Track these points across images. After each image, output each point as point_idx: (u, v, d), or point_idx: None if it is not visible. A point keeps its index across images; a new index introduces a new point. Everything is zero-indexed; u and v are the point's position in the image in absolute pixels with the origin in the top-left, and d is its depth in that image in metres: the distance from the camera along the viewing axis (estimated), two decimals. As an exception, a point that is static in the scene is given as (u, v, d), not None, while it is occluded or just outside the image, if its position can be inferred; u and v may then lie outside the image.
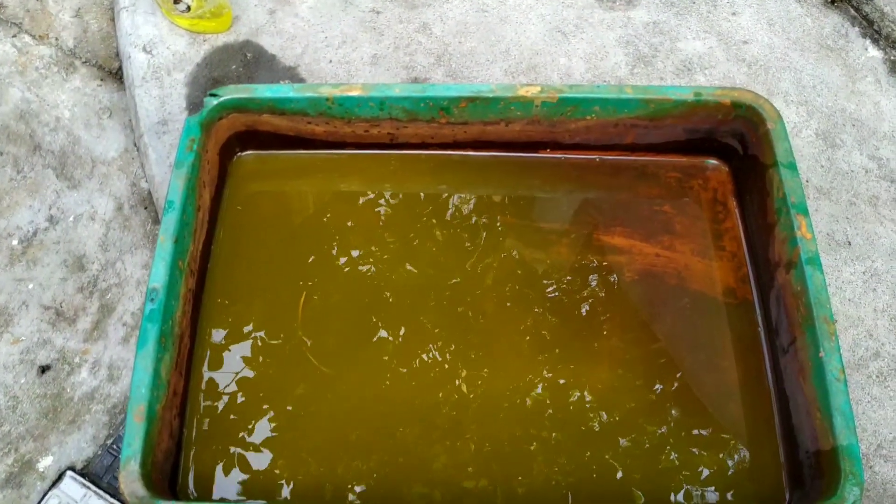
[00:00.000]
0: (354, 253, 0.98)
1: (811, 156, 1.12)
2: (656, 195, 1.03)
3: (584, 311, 0.95)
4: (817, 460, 0.80)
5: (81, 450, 1.01)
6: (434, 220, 1.01)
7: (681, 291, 0.96)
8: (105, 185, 1.18)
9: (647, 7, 1.26)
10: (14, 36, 1.30)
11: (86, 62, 1.29)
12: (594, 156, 1.05)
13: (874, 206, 1.08)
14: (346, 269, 0.97)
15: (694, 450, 0.87)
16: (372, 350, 0.92)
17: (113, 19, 1.32)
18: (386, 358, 0.92)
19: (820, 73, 1.19)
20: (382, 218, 1.01)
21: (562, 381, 0.91)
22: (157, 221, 1.15)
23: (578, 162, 1.05)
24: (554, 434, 0.88)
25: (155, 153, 1.12)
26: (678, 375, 0.91)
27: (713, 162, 1.04)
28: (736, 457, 0.87)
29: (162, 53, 1.19)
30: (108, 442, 1.01)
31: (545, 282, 0.96)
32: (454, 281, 0.97)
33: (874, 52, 1.22)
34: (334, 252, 0.98)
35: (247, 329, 0.93)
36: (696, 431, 0.88)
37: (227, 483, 0.85)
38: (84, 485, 0.98)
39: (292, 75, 1.17)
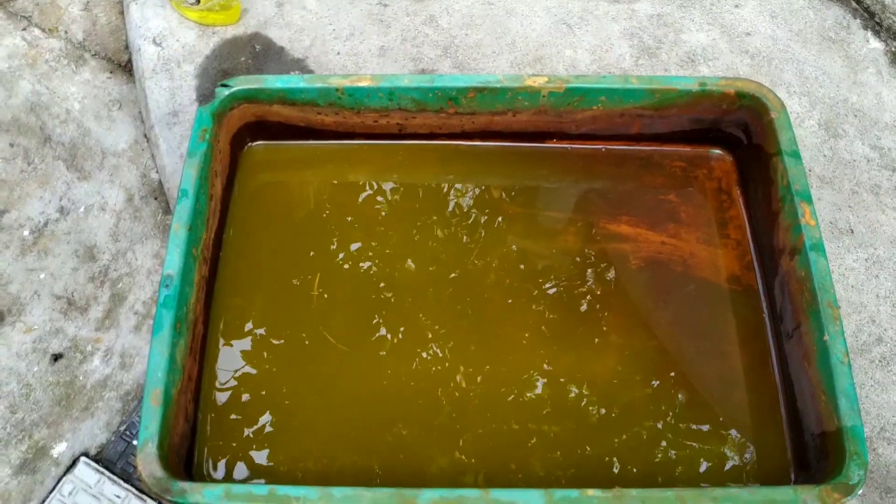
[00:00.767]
0: (362, 242, 1.00)
1: (814, 146, 1.13)
2: (661, 184, 1.04)
3: (590, 298, 0.96)
4: (822, 442, 0.82)
5: (95, 436, 1.02)
6: (442, 210, 1.02)
7: (686, 279, 0.97)
8: (115, 177, 1.19)
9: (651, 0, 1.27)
10: (24, 29, 1.31)
11: (95, 55, 1.30)
12: (600, 146, 1.06)
13: (876, 195, 1.10)
14: (356, 257, 0.98)
15: (700, 433, 0.88)
16: (380, 333, 0.94)
17: (122, 12, 1.33)
18: (396, 342, 0.93)
19: (822, 64, 1.21)
20: (391, 207, 1.02)
21: (568, 368, 0.92)
22: (167, 212, 1.17)
23: (585, 152, 1.06)
24: (560, 421, 0.89)
25: (166, 144, 1.13)
26: (684, 361, 0.93)
27: (717, 151, 1.06)
28: (741, 440, 0.88)
29: (171, 46, 1.20)
30: (122, 428, 1.03)
31: (552, 269, 0.98)
32: (461, 271, 0.98)
33: (875, 44, 1.23)
34: (344, 241, 1.00)
35: (258, 316, 0.95)
36: (702, 415, 0.89)
37: (240, 465, 0.86)
38: (98, 470, 1.00)
39: (301, 67, 1.18)
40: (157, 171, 1.19)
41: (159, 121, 1.14)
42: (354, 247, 0.99)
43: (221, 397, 0.90)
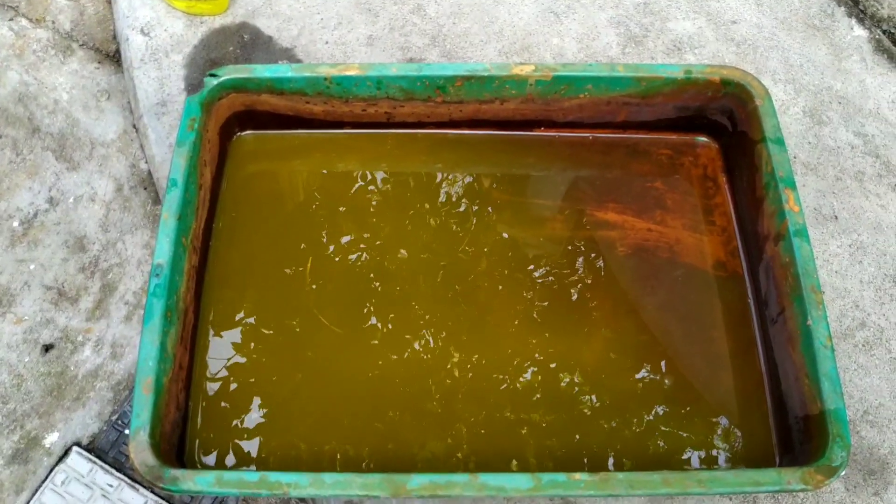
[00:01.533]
0: (352, 231, 1.00)
1: (798, 133, 1.14)
2: (648, 172, 1.05)
3: (578, 285, 0.97)
4: (806, 425, 0.83)
5: (87, 426, 1.03)
6: (431, 198, 1.03)
7: (672, 265, 0.99)
8: (104, 167, 1.19)
9: (638, -12, 1.28)
10: (11, 19, 1.30)
11: (83, 45, 1.30)
12: (587, 134, 1.07)
13: (860, 182, 1.11)
14: (346, 247, 0.99)
15: (686, 417, 0.90)
16: (371, 321, 0.94)
17: (109, 2, 1.32)
18: (389, 330, 0.94)
19: (807, 52, 1.21)
20: (380, 196, 1.03)
21: (557, 355, 0.93)
22: (157, 202, 1.17)
23: (572, 140, 1.07)
24: (550, 407, 0.90)
25: (154, 134, 1.13)
26: (671, 346, 0.94)
27: (703, 139, 1.06)
28: (727, 423, 0.89)
29: (159, 35, 1.20)
30: (113, 418, 1.03)
31: (541, 257, 0.99)
32: (450, 259, 0.99)
33: (859, 31, 1.24)
34: (334, 230, 1.00)
35: (249, 306, 0.95)
36: (688, 400, 0.91)
37: (231, 453, 0.87)
38: (90, 460, 1.00)
39: (289, 56, 1.18)
40: (146, 162, 1.19)
41: (148, 111, 1.14)
42: (344, 236, 1.00)
43: (212, 386, 0.90)
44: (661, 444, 0.89)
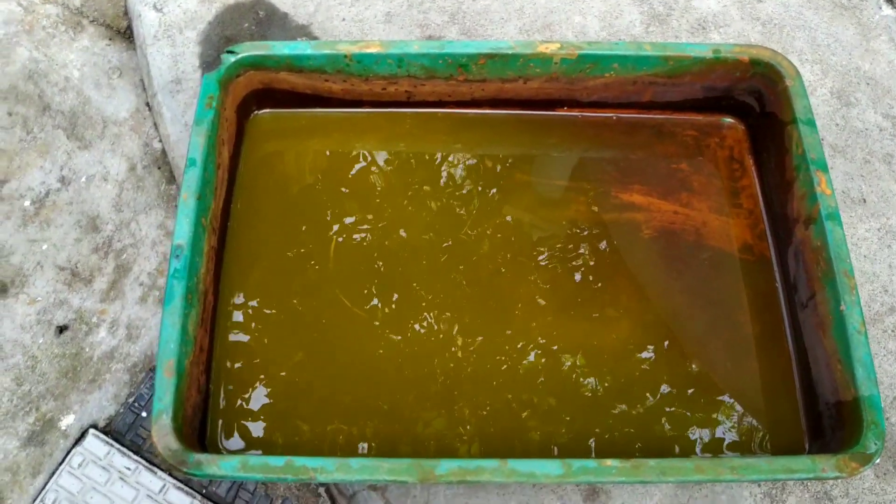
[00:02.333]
0: (371, 211, 0.98)
1: (826, 114, 1.12)
2: (673, 153, 1.03)
3: (603, 268, 0.95)
4: (838, 411, 0.82)
5: (103, 408, 1.02)
6: (448, 179, 1.01)
7: (699, 248, 0.97)
8: (117, 146, 1.17)
9: (660, -35, 1.25)
10: (19, -6, 1.28)
11: (93, 21, 1.27)
12: (611, 114, 1.05)
13: (889, 164, 1.09)
14: (364, 227, 0.97)
15: (712, 402, 0.88)
16: (395, 301, 0.93)
17: (120, -23, 1.30)
18: (404, 308, 0.93)
19: (834, 31, 1.19)
20: (398, 176, 1.01)
21: (580, 338, 0.92)
22: (171, 182, 1.15)
23: (595, 120, 1.05)
24: (573, 391, 0.89)
25: (169, 112, 1.11)
26: (696, 331, 0.92)
27: (729, 120, 1.04)
28: (755, 409, 0.88)
29: (173, 12, 1.17)
30: (130, 400, 1.02)
31: (563, 239, 0.97)
32: (470, 240, 0.97)
33: (888, 11, 1.22)
34: (353, 210, 0.98)
35: (267, 287, 0.94)
36: (715, 385, 0.89)
37: (252, 436, 0.86)
38: (107, 442, 0.99)
39: (305, 33, 1.16)
40: (159, 140, 1.17)
41: (162, 88, 1.12)
42: (362, 216, 0.98)
43: (233, 368, 0.89)
44: (687, 428, 0.87)
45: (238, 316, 0.92)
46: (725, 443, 0.87)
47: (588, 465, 0.74)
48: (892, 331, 0.99)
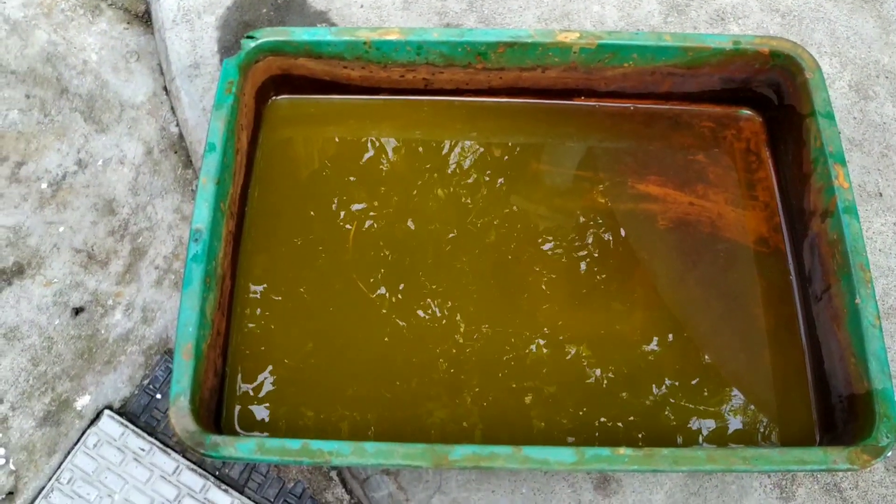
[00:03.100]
0: (386, 198, 0.99)
1: (844, 107, 1.11)
2: (690, 145, 1.03)
3: (618, 258, 0.96)
4: (850, 404, 0.82)
5: (118, 389, 1.02)
6: (464, 167, 1.01)
7: (714, 240, 0.97)
8: (134, 130, 1.17)
9: (679, -45, 1.25)
10: (38, -23, 1.28)
11: (111, 4, 1.28)
12: (628, 104, 1.04)
13: (905, 159, 1.09)
14: (380, 214, 0.98)
15: (726, 393, 0.89)
16: (412, 288, 0.93)
17: (138, -39, 1.30)
18: (425, 294, 0.93)
19: (854, 24, 1.18)
20: (415, 164, 1.01)
21: (594, 328, 0.92)
22: (187, 166, 1.15)
23: (612, 110, 1.05)
24: (601, 374, 0.89)
25: (187, 97, 1.11)
26: (711, 322, 0.92)
27: (747, 112, 1.04)
28: (767, 400, 0.88)
29: (191, -4, 1.18)
30: (145, 382, 1.03)
31: (579, 229, 0.97)
32: (483, 227, 0.97)
33: (908, 4, 1.21)
34: (369, 197, 0.99)
35: (283, 273, 0.94)
36: (727, 376, 0.89)
37: (267, 419, 0.87)
38: (122, 423, 1.00)
39: (324, 19, 1.16)
40: (176, 125, 1.17)
41: (180, 73, 1.12)
42: (378, 204, 0.98)
43: (249, 352, 0.90)
44: (699, 419, 0.88)
45: (254, 300, 0.92)
46: (737, 433, 0.87)
47: (601, 453, 0.74)
48: (907, 325, 0.99)
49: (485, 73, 1.00)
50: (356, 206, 0.98)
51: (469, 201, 0.99)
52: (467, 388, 0.88)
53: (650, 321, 0.92)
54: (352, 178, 1.00)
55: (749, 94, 1.02)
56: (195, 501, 0.97)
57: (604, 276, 0.94)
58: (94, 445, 0.99)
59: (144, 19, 1.26)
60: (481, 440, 0.86)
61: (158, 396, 1.02)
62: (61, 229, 1.10)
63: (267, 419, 0.87)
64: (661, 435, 0.87)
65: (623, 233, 0.97)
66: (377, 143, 1.03)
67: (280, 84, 1.02)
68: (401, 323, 0.92)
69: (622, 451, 0.75)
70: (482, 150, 1.02)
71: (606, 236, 0.97)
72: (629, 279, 0.94)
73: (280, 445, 0.74)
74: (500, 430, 0.87)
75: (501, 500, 0.90)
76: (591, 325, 0.92)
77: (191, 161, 1.15)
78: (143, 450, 0.99)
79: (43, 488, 0.97)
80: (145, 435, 1.00)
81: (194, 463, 0.99)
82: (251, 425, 0.87)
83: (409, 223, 0.97)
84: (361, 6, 1.17)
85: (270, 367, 0.89)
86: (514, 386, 0.89)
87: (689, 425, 0.87)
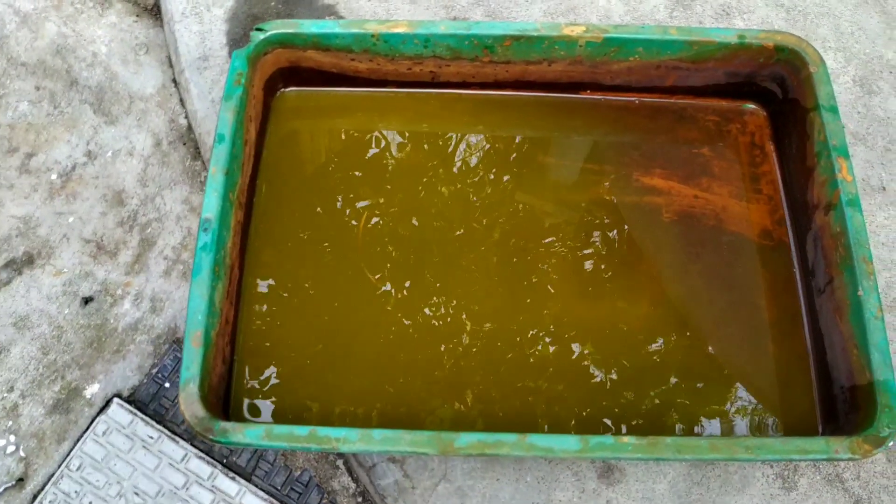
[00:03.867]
0: (394, 190, 1.00)
1: (848, 102, 1.12)
2: (695, 138, 1.03)
3: (622, 251, 0.96)
4: (852, 395, 0.83)
5: (127, 378, 1.04)
6: (470, 160, 1.02)
7: (718, 233, 0.98)
8: (143, 121, 1.18)
9: (685, -50, 1.25)
10: (48, -30, 1.29)
11: (121, -3, 1.29)
12: (634, 97, 1.05)
13: (909, 153, 1.09)
14: (388, 206, 0.98)
15: (729, 383, 0.89)
16: (421, 282, 0.94)
17: (147, -46, 1.31)
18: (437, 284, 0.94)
19: (858, 19, 1.19)
20: (422, 156, 1.02)
21: (598, 320, 0.93)
22: (196, 157, 1.16)
23: (618, 104, 1.05)
24: (592, 374, 0.90)
25: (196, 88, 1.12)
26: (714, 314, 0.93)
27: (751, 106, 1.05)
28: (770, 391, 0.89)
29: (200, -11, 1.19)
30: (154, 371, 1.04)
31: (584, 222, 0.98)
32: (493, 222, 0.98)
33: (913, 0, 1.22)
34: (376, 189, 1.00)
35: (290, 263, 0.95)
36: (732, 366, 0.90)
37: (273, 407, 0.88)
38: (131, 411, 1.01)
39: (332, 13, 1.17)
40: (185, 117, 1.18)
41: (189, 65, 1.13)
42: (385, 197, 0.99)
43: (256, 341, 0.91)
44: (702, 408, 0.88)
45: (261, 290, 0.93)
46: (740, 423, 0.88)
47: (605, 441, 0.75)
48: (909, 318, 1.00)
49: (491, 67, 1.01)
50: (361, 203, 0.99)
51: (475, 197, 0.99)
52: (471, 386, 0.89)
53: (654, 314, 0.93)
54: (358, 173, 1.01)
55: (754, 88, 1.02)
56: (203, 489, 0.98)
57: (609, 270, 0.95)
58: (104, 433, 1.00)
59: (154, 12, 1.27)
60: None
61: (167, 385, 1.03)
62: (71, 220, 1.11)
63: (273, 411, 0.88)
64: (669, 425, 0.87)
65: (627, 226, 0.98)
66: (384, 136, 1.03)
67: (288, 76, 1.02)
68: (406, 320, 0.93)
69: (626, 439, 0.76)
70: (488, 143, 1.03)
71: (611, 230, 0.98)
72: (634, 273, 0.95)
73: (288, 432, 0.75)
74: (504, 429, 0.87)
75: (506, 488, 0.91)
76: (596, 321, 0.92)
77: (199, 153, 1.16)
78: (151, 437, 1.00)
79: (53, 475, 0.98)
80: (154, 423, 1.01)
81: (202, 451, 1.00)
82: (260, 412, 0.88)
83: (414, 220, 0.98)
84: (369, 0, 1.18)
85: (276, 361, 0.90)
86: (518, 384, 0.89)
87: (694, 414, 0.88)
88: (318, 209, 0.98)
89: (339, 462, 1.00)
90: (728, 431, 0.88)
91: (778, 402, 0.89)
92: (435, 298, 0.94)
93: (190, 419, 0.76)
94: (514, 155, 1.02)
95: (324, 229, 0.97)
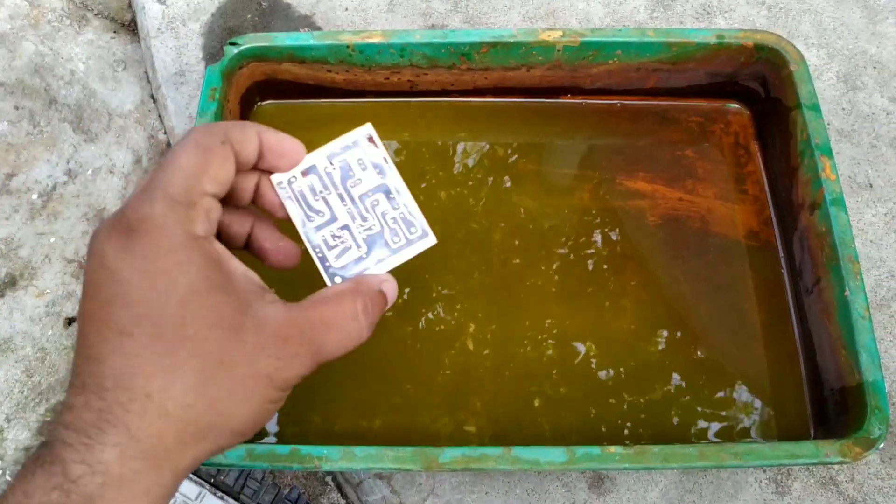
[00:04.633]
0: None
1: (832, 99, 1.11)
2: (678, 140, 1.02)
3: (607, 256, 0.95)
4: (842, 397, 0.81)
5: (111, 399, 1.02)
6: (451, 168, 1.01)
7: (704, 235, 0.97)
8: (122, 138, 1.18)
9: (665, -50, 1.24)
10: (24, -12, 1.28)
11: (98, 14, 1.28)
12: (615, 101, 1.04)
13: (895, 149, 1.08)
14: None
15: (718, 389, 0.88)
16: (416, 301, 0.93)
17: (124, -30, 1.30)
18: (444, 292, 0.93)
19: (840, 15, 1.18)
20: (402, 166, 1.01)
21: (584, 327, 0.92)
22: (176, 174, 1.15)
23: (599, 107, 1.04)
24: (573, 381, 0.89)
25: (173, 104, 1.11)
26: (702, 317, 0.92)
27: (735, 106, 1.04)
28: (760, 394, 0.88)
29: (176, 4, 1.18)
30: (138, 391, 1.03)
31: (567, 228, 0.97)
32: (476, 228, 0.97)
33: (895, -7, 1.21)
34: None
35: (273, 278, 0.94)
36: (720, 371, 0.89)
37: (276, 428, 0.86)
38: (116, 433, 1.00)
39: (308, 24, 1.16)
40: (164, 132, 1.18)
41: (166, 81, 1.12)
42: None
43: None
44: (691, 415, 0.87)
45: (243, 306, 0.92)
46: (731, 428, 0.87)
47: (592, 451, 0.74)
48: (899, 316, 0.98)
49: (469, 74, 1.00)
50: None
51: (460, 202, 0.98)
52: (477, 394, 0.88)
53: (641, 318, 0.92)
54: (340, 182, 1.00)
55: (736, 87, 1.01)
56: (190, 509, 0.97)
57: (593, 274, 0.94)
58: (89, 455, 0.99)
59: (131, 28, 1.27)
60: (489, 443, 0.85)
61: (152, 405, 1.02)
62: (52, 240, 1.10)
63: (276, 426, 0.87)
64: (659, 431, 0.86)
65: (612, 230, 0.97)
66: (365, 146, 1.02)
67: (265, 89, 1.02)
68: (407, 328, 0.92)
69: (612, 449, 0.74)
70: (469, 150, 1.02)
71: (595, 235, 0.96)
72: (618, 277, 0.94)
73: (269, 451, 0.74)
74: (511, 436, 0.86)
75: (495, 502, 0.90)
76: (583, 326, 0.91)
77: (180, 169, 1.15)
78: (137, 459, 0.99)
79: (38, 499, 0.97)
80: (139, 444, 1.00)
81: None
82: (259, 433, 0.86)
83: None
84: (346, 9, 1.17)
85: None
86: (523, 390, 0.88)
87: (684, 421, 0.87)
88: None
89: (328, 479, 0.99)
90: (720, 436, 0.86)
91: (769, 404, 0.88)
92: (434, 307, 0.93)
93: (169, 442, 0.75)
94: (496, 161, 1.01)
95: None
